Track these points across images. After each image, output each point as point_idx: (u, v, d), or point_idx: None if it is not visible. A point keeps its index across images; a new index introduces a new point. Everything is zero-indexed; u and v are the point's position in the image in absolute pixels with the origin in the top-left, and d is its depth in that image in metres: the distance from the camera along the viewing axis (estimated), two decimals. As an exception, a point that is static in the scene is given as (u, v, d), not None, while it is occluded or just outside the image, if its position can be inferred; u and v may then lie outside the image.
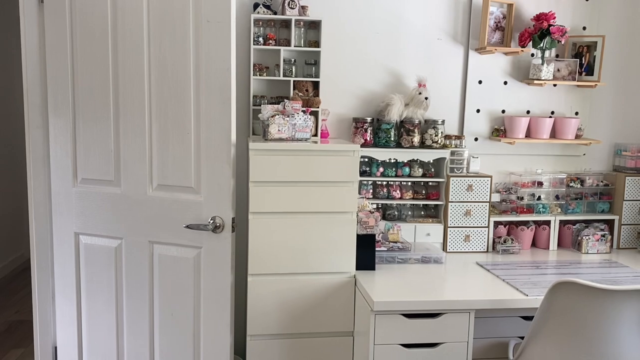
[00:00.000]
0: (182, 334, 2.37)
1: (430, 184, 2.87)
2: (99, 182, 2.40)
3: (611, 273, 2.52)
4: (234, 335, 2.38)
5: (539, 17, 2.77)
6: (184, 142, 2.28)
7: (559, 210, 2.99)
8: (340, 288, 2.39)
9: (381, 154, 2.75)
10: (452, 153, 2.82)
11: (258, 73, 2.69)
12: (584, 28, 2.97)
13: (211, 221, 2.26)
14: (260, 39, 2.66)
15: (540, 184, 2.98)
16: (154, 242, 2.37)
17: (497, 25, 2.85)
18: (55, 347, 2.60)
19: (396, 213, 2.86)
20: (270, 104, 2.57)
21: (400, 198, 2.83)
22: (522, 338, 2.36)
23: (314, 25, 2.71)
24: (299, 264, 2.35)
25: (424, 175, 2.85)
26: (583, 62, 2.92)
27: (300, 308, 2.38)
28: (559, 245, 2.98)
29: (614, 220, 2.98)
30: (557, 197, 3.00)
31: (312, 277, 2.37)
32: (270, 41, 2.67)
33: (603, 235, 2.88)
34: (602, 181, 3.03)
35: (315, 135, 2.68)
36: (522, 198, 2.96)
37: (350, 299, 2.40)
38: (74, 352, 2.53)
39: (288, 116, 2.41)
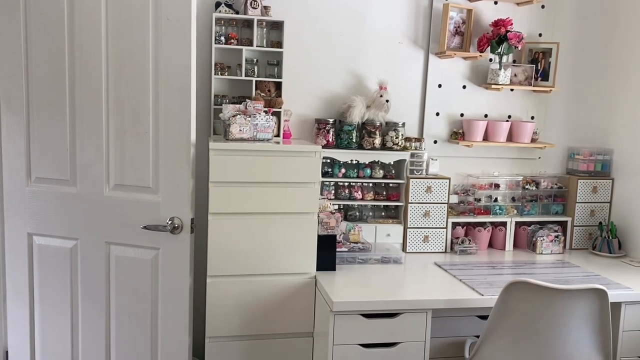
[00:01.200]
0: (140, 337, 2.33)
1: (390, 185, 2.90)
2: (54, 181, 2.34)
3: (563, 273, 2.60)
4: (192, 337, 2.35)
5: (497, 23, 2.84)
6: (142, 141, 2.24)
7: (515, 211, 3.07)
8: (301, 289, 2.40)
9: (343, 155, 2.77)
10: (412, 155, 2.86)
11: (219, 72, 2.67)
12: (540, 35, 3.06)
13: (170, 222, 2.23)
14: (222, 38, 2.64)
15: (497, 186, 3.06)
16: (110, 243, 2.32)
17: (456, 30, 2.90)
18: (7, 352, 2.52)
19: (357, 214, 2.89)
20: (231, 103, 2.55)
21: (362, 199, 2.85)
22: (478, 337, 2.42)
23: (277, 26, 2.71)
24: (259, 265, 2.35)
25: (384, 177, 2.88)
26: (539, 67, 3.00)
27: (261, 309, 2.37)
28: (515, 246, 3.06)
29: (566, 221, 3.08)
30: (513, 199, 3.08)
31: (273, 278, 2.37)
32: (232, 40, 2.65)
33: (557, 237, 2.98)
34: (556, 184, 3.12)
35: (278, 135, 2.67)
36: (479, 200, 3.02)
37: (310, 300, 2.41)
38: (26, 356, 2.45)
39: (250, 116, 2.40)
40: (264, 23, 2.67)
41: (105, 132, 2.26)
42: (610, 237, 2.94)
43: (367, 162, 2.83)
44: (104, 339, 2.37)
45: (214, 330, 2.35)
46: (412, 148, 2.88)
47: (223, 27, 2.66)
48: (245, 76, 2.67)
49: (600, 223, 3.04)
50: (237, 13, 2.65)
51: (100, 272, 2.34)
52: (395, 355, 2.21)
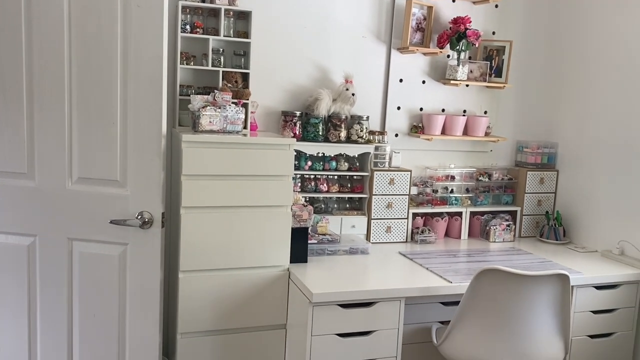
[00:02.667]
0: (106, 336, 2.25)
1: (355, 177, 2.95)
2: (9, 174, 2.19)
3: (519, 260, 2.76)
4: (162, 335, 2.29)
5: (456, 21, 2.95)
6: (109, 132, 2.15)
7: (469, 202, 3.20)
8: (275, 281, 2.40)
9: (310, 148, 2.78)
10: (376, 148, 2.92)
11: (185, 62, 2.59)
12: (494, 33, 3.21)
13: (139, 216, 2.16)
14: (187, 26, 2.57)
15: (452, 177, 3.18)
16: (73, 239, 2.21)
17: (418, 26, 2.98)
18: (-46, 358, 2.35)
19: (323, 206, 2.91)
20: (198, 94, 2.49)
21: (327, 191, 2.88)
22: (442, 322, 2.52)
23: (244, 16, 2.66)
24: (233, 259, 2.32)
25: (349, 169, 2.92)
26: (493, 64, 3.14)
27: (234, 303, 2.35)
28: (470, 234, 3.20)
29: (516, 211, 3.25)
30: (467, 190, 3.21)
31: (247, 271, 2.35)
32: (198, 29, 2.58)
33: (508, 225, 3.15)
34: (506, 175, 3.29)
35: (245, 127, 2.64)
36: (436, 191, 3.13)
37: (284, 292, 2.41)
38: (-22, 362, 2.30)
39: (219, 108, 2.36)
40: (231, 13, 2.62)
41: (68, 123, 2.15)
42: (557, 225, 3.15)
43: (332, 155, 2.86)
44: (66, 340, 2.26)
45: (186, 326, 2.30)
46: (376, 141, 2.93)
47: (188, 16, 2.59)
48: (212, 66, 2.61)
49: (547, 212, 3.24)
50: (204, 1, 2.58)
51: (61, 269, 2.22)
52: (370, 343, 2.26)
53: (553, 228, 3.15)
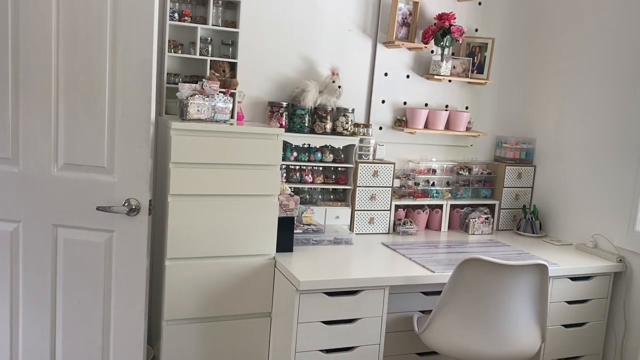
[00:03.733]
0: (90, 323, 2.24)
1: (339, 169, 2.98)
2: (-8, 159, 2.17)
3: (497, 251, 2.84)
4: (147, 322, 2.29)
5: (441, 17, 3.00)
6: (97, 118, 2.14)
7: (449, 195, 3.27)
8: (261, 270, 2.42)
9: (296, 139, 2.81)
10: (361, 140, 2.96)
11: (173, 50, 2.58)
12: (476, 30, 3.27)
13: (125, 203, 2.15)
14: (176, 14, 2.56)
15: (434, 171, 3.24)
16: (58, 226, 2.20)
17: (403, 21, 3.03)
18: None
19: (307, 197, 2.94)
20: (185, 82, 2.49)
21: (312, 182, 2.90)
22: (423, 312, 2.58)
23: (232, 6, 2.67)
24: (219, 247, 2.33)
25: (334, 161, 2.95)
26: (475, 61, 3.21)
27: (220, 291, 2.36)
28: (449, 227, 3.27)
29: (494, 204, 3.34)
30: (448, 184, 3.28)
31: (233, 260, 2.37)
32: (186, 18, 2.58)
33: (487, 218, 3.22)
34: (485, 170, 3.37)
35: (232, 117, 2.65)
36: (418, 184, 3.19)
37: (269, 281, 2.44)
38: (-42, 349, 2.27)
39: (208, 96, 2.36)
40: (220, 2, 2.62)
41: (55, 108, 2.13)
42: (533, 219, 3.24)
43: (318, 146, 2.89)
44: (49, 328, 2.25)
45: (171, 314, 2.31)
46: (361, 134, 2.97)
47: (177, 4, 2.58)
48: (200, 55, 2.61)
49: (524, 206, 3.33)
50: (192, -10, 2.58)
51: (45, 256, 2.21)
52: (355, 330, 2.30)
53: (530, 221, 3.24)
